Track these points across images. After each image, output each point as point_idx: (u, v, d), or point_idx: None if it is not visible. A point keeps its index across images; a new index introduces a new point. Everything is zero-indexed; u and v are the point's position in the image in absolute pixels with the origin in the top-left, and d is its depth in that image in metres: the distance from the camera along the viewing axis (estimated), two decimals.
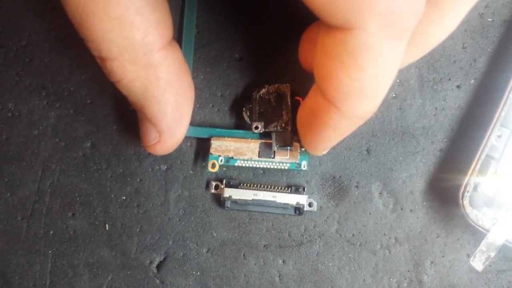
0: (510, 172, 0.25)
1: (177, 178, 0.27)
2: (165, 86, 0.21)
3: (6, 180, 0.27)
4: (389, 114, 0.27)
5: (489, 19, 0.27)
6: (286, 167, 0.26)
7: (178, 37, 0.27)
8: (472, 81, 0.27)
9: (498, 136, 0.25)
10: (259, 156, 0.26)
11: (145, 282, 0.27)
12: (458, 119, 0.27)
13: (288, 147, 0.25)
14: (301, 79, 0.25)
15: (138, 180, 0.27)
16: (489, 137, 0.25)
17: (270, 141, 0.25)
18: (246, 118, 0.26)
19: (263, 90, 0.26)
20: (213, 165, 0.26)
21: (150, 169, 0.27)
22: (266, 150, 0.26)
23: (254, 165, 0.26)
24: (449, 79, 0.27)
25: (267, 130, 0.25)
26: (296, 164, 0.26)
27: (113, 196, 0.27)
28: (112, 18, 0.18)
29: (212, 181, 0.27)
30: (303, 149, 0.25)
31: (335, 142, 0.22)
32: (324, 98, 0.18)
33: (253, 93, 0.26)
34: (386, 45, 0.16)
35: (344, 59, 0.16)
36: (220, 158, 0.26)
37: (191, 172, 0.27)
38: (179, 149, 0.27)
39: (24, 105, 0.27)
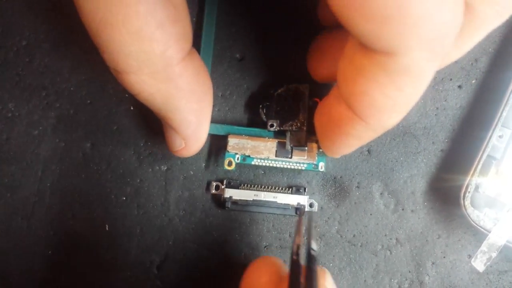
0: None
1: (177, 178, 0.27)
2: (187, 96, 0.20)
3: (6, 180, 0.27)
4: None
5: None
6: (303, 168, 0.26)
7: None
8: (473, 81, 0.27)
9: (500, 137, 0.25)
10: (276, 156, 0.25)
11: (146, 283, 0.27)
12: (460, 119, 0.27)
13: (303, 147, 0.25)
14: (303, 79, 0.25)
15: (138, 181, 0.27)
16: (490, 137, 0.25)
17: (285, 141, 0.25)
18: (262, 115, 0.26)
19: (282, 89, 0.25)
20: (230, 163, 0.25)
21: (150, 170, 0.27)
22: (283, 150, 0.25)
23: (271, 164, 0.25)
24: (450, 79, 0.27)
25: (282, 128, 0.25)
26: (313, 165, 0.25)
27: (113, 196, 0.27)
28: (131, 32, 0.17)
29: (212, 182, 0.27)
30: (320, 150, 0.25)
31: (356, 148, 0.22)
32: (349, 109, 0.18)
33: (271, 91, 0.26)
34: (427, 67, 0.15)
35: (381, 80, 0.16)
36: (237, 156, 0.25)
37: (191, 173, 0.27)
38: None
39: (24, 105, 0.27)
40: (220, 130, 0.26)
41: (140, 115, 0.27)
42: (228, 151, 0.25)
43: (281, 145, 0.25)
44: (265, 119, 0.26)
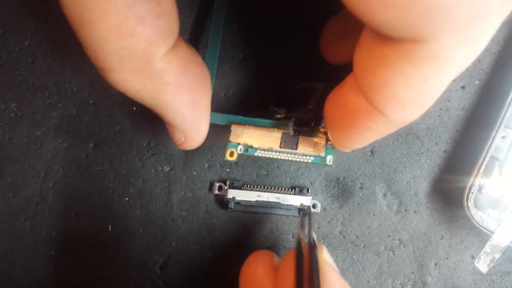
0: None
1: (180, 179, 0.27)
2: (175, 90, 0.19)
3: (9, 180, 0.27)
4: None
5: None
6: (309, 160, 0.24)
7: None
8: (476, 82, 0.27)
9: (503, 137, 0.25)
10: (280, 147, 0.24)
11: (148, 283, 0.27)
12: (463, 120, 0.27)
13: (310, 135, 0.23)
14: (306, 79, 0.25)
15: (141, 181, 0.27)
16: (493, 138, 0.25)
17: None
18: (270, 106, 0.24)
19: (296, 86, 0.24)
20: (232, 154, 0.24)
21: (153, 170, 0.27)
22: (288, 141, 0.24)
23: (275, 156, 0.24)
24: (454, 80, 0.27)
25: (288, 114, 0.23)
26: (320, 158, 0.24)
27: (116, 197, 0.27)
28: (110, 27, 0.16)
29: (215, 182, 0.27)
30: (329, 142, 0.23)
31: (370, 142, 0.20)
32: (367, 102, 0.17)
33: (285, 88, 0.24)
34: (457, 53, 0.14)
35: (404, 69, 0.15)
36: (240, 146, 0.24)
37: (194, 173, 0.27)
38: (181, 150, 0.27)
39: (26, 105, 0.27)
40: (222, 119, 0.25)
41: (143, 115, 0.27)
42: (230, 141, 0.24)
43: (286, 136, 0.24)
44: (272, 109, 0.24)
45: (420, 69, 0.15)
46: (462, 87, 0.27)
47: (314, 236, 0.21)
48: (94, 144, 0.27)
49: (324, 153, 0.24)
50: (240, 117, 0.24)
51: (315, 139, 0.23)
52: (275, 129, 0.24)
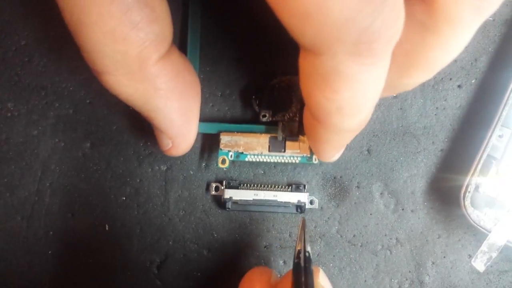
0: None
1: (177, 178, 0.27)
2: (166, 95, 0.20)
3: (6, 180, 0.27)
4: (390, 114, 0.27)
5: (490, 18, 0.26)
6: (297, 161, 0.25)
7: (182, 43, 0.26)
8: (473, 81, 0.27)
9: (499, 136, 0.25)
10: (269, 151, 0.25)
11: (145, 283, 0.27)
12: (459, 119, 0.27)
13: (295, 138, 0.25)
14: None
15: (138, 181, 0.27)
16: (490, 137, 0.25)
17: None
18: (255, 106, 0.26)
19: (275, 80, 0.25)
20: (223, 161, 0.25)
21: (150, 170, 0.27)
22: (276, 144, 0.25)
23: (265, 160, 0.25)
24: (450, 79, 0.27)
25: (274, 119, 0.25)
26: (307, 158, 0.25)
27: (112, 196, 0.27)
28: (105, 31, 0.17)
29: (212, 183, 0.27)
30: None
31: (336, 151, 0.22)
32: (311, 114, 0.18)
33: (265, 82, 0.25)
34: (358, 70, 0.15)
35: (318, 82, 0.16)
36: (230, 153, 0.25)
37: (191, 173, 0.27)
38: None
39: (23, 105, 0.27)
40: (211, 128, 0.26)
41: (139, 115, 0.27)
42: (221, 149, 0.25)
43: (274, 140, 0.25)
44: (257, 110, 0.26)
45: (328, 82, 0.15)
46: (459, 86, 0.27)
47: (309, 249, 0.21)
48: (90, 144, 0.27)
49: (309, 152, 0.25)
50: (228, 125, 0.26)
51: (301, 141, 0.25)
52: (263, 134, 0.25)
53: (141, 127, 0.27)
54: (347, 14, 0.12)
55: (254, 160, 0.25)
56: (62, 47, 0.27)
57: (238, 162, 0.26)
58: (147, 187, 0.27)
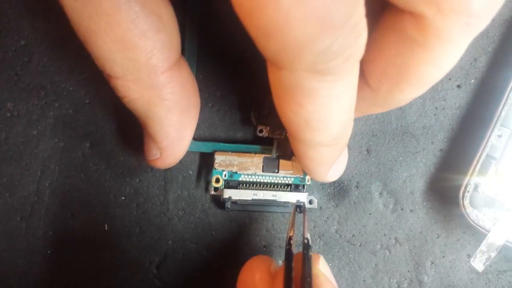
0: (511, 172, 0.25)
1: (176, 178, 0.27)
2: (169, 107, 0.20)
3: (5, 180, 0.27)
4: (389, 114, 0.27)
5: None
6: (290, 182, 0.26)
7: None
8: (472, 81, 0.27)
9: (499, 136, 0.25)
10: (263, 171, 0.26)
11: (145, 283, 0.27)
12: (459, 118, 0.27)
13: (289, 158, 0.25)
14: None
15: (138, 180, 0.27)
16: (489, 137, 0.25)
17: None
18: (253, 120, 0.26)
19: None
20: (217, 180, 0.26)
21: (149, 169, 0.27)
22: (270, 165, 0.26)
23: (258, 180, 0.26)
24: (449, 79, 0.27)
25: (270, 136, 0.25)
26: (300, 178, 0.26)
27: (112, 196, 0.27)
28: (114, 39, 0.17)
29: (211, 182, 0.26)
30: None
31: (324, 168, 0.22)
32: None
33: (265, 96, 0.25)
34: (319, 86, 0.15)
35: (283, 95, 0.16)
36: (224, 172, 0.26)
37: (191, 172, 0.27)
38: None
39: (23, 105, 0.27)
40: (206, 147, 0.26)
41: None
42: (215, 168, 0.26)
43: (268, 160, 0.26)
44: (255, 124, 0.26)
45: (292, 95, 0.16)
46: (458, 86, 0.27)
47: (308, 236, 0.21)
48: (90, 144, 0.27)
49: (303, 173, 0.26)
50: (223, 144, 0.26)
51: (294, 161, 0.25)
52: (257, 154, 0.26)
53: (140, 127, 0.27)
54: (306, 37, 0.13)
55: (247, 180, 0.26)
56: (62, 47, 0.27)
57: (230, 180, 0.26)
58: (146, 187, 0.27)
